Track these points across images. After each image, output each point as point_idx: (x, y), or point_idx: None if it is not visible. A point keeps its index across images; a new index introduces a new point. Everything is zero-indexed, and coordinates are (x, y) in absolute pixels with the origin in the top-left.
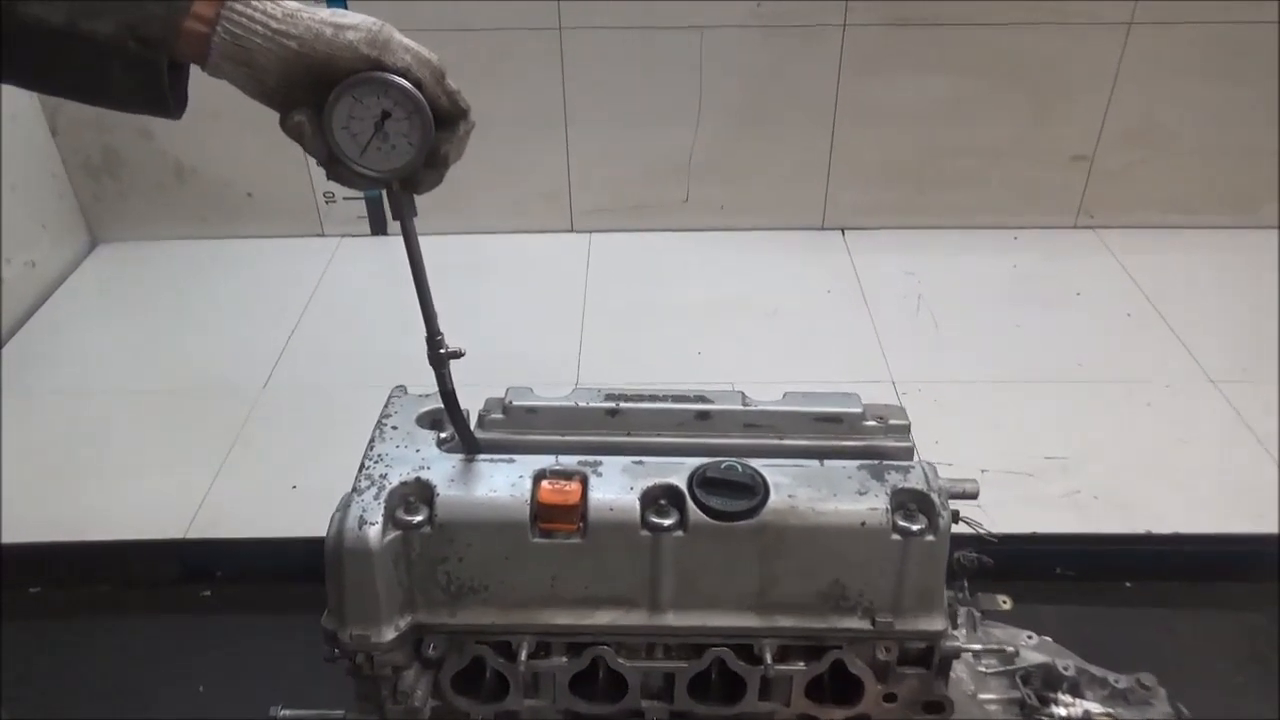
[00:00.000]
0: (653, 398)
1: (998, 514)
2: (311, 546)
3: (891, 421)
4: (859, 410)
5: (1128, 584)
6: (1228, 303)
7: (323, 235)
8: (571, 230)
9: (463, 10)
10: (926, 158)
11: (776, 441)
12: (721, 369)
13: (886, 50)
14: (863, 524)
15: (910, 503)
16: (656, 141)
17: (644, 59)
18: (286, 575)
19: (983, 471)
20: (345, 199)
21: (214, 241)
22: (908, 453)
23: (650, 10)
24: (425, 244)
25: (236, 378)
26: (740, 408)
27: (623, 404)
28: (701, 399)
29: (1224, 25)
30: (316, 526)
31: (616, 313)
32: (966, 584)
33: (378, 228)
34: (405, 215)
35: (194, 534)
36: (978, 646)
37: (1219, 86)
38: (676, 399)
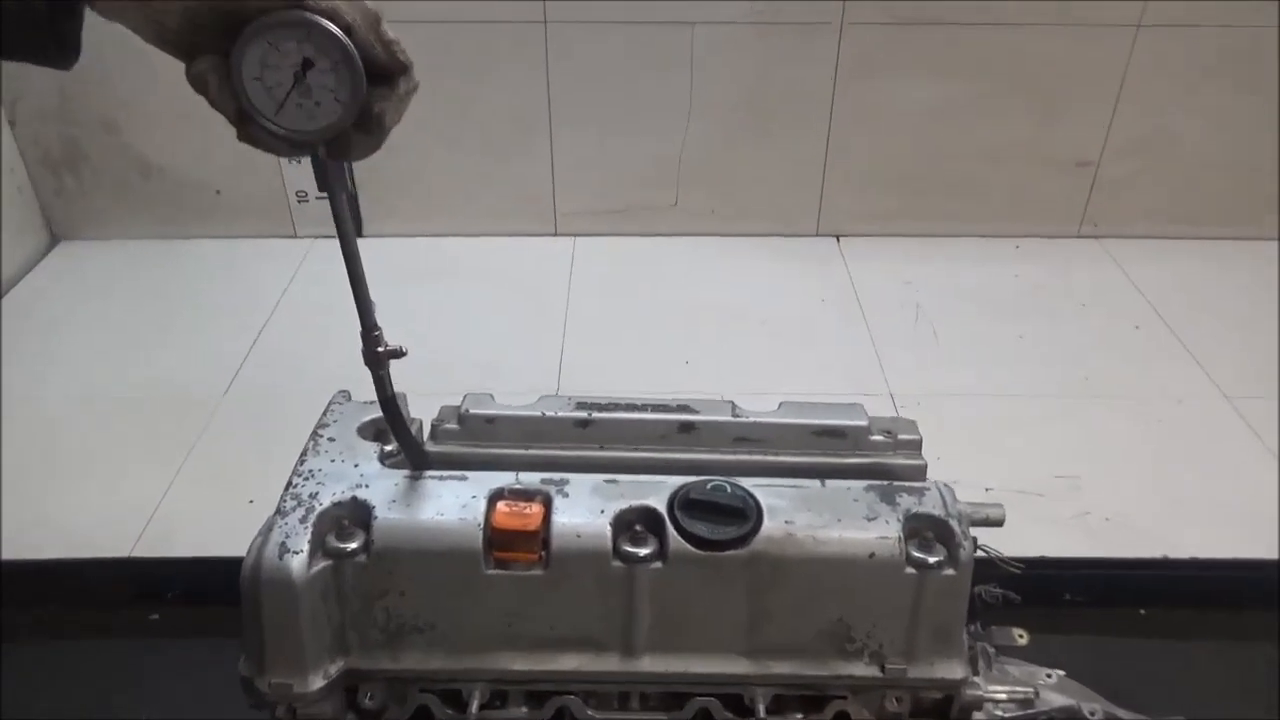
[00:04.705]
0: (630, 407)
1: (1004, 536)
2: None
3: (901, 436)
4: (864, 423)
5: (1142, 611)
6: (1241, 316)
7: (295, 236)
8: (555, 234)
9: (444, 2)
10: (925, 162)
11: (771, 458)
12: (710, 380)
13: (885, 50)
14: (871, 555)
15: (926, 530)
16: (644, 142)
17: (632, 55)
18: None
19: (987, 490)
20: (318, 198)
21: (181, 241)
22: (920, 472)
23: (639, 4)
24: (400, 246)
25: (197, 384)
26: (730, 419)
27: (595, 414)
28: (685, 409)
29: (1237, 29)
30: None
31: (600, 320)
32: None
33: (354, 228)
34: (334, 187)
35: (140, 552)
36: (1002, 694)
37: (1230, 92)
38: (657, 408)
